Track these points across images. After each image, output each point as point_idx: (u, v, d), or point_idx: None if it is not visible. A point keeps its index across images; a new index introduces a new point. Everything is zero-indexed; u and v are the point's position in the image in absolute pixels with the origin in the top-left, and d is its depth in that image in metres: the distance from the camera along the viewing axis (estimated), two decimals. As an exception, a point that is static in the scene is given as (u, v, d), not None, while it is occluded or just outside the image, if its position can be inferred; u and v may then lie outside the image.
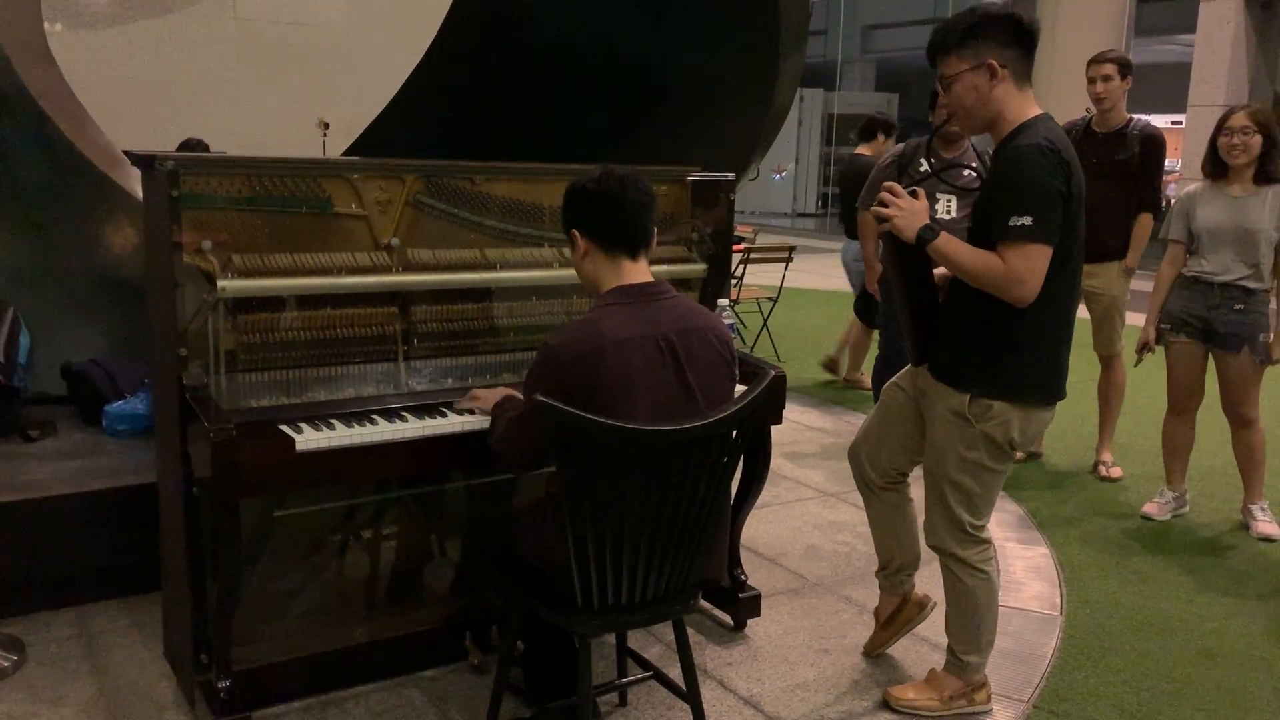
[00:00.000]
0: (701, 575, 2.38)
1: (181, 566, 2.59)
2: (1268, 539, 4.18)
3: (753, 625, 3.25)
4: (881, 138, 6.41)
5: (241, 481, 2.32)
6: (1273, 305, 4.12)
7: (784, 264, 7.45)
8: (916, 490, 2.89)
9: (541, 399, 2.07)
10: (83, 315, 4.10)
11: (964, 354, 2.60)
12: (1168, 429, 4.43)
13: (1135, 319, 4.64)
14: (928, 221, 2.52)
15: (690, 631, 2.77)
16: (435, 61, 6.80)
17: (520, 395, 2.35)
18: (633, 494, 2.09)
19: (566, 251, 2.51)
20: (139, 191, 3.15)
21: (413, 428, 2.52)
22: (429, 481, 2.95)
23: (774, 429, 3.17)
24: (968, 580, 2.69)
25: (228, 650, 2.51)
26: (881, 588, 3.07)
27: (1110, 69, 4.61)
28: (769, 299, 7.43)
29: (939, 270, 2.65)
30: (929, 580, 3.12)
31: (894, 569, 3.00)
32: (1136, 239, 4.70)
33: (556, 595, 2.26)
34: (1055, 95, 10.95)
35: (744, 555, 3.39)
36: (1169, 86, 15.64)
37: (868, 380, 6.21)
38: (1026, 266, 2.40)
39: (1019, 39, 2.48)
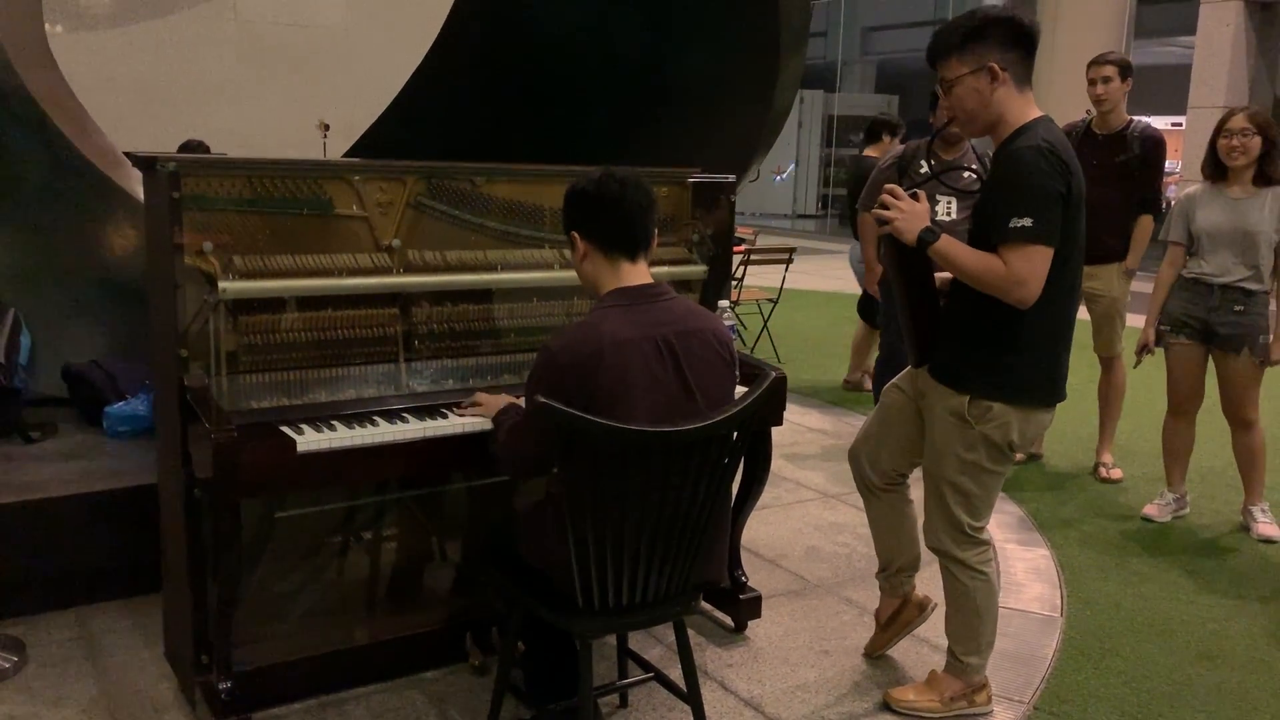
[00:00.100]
0: (702, 576, 2.38)
1: (182, 567, 2.59)
2: (1268, 540, 4.18)
3: (753, 626, 3.25)
4: (887, 139, 6.38)
5: (242, 482, 2.32)
6: (1273, 307, 4.12)
7: (784, 265, 7.46)
8: (916, 491, 2.89)
9: (542, 400, 2.07)
10: (83, 316, 4.09)
11: (964, 355, 2.60)
12: (1168, 430, 4.43)
13: (1135, 320, 4.64)
14: (929, 224, 2.52)
15: (691, 633, 2.77)
16: (436, 63, 6.79)
17: (522, 403, 2.36)
18: (633, 495, 2.10)
19: (567, 253, 2.52)
20: (140, 192, 3.15)
21: (413, 429, 2.52)
22: (430, 483, 2.95)
23: (774, 430, 3.17)
24: (967, 582, 2.70)
25: (228, 651, 2.51)
26: (882, 589, 3.07)
27: (1110, 71, 4.61)
28: (769, 300, 7.44)
29: (941, 274, 2.65)
30: (929, 582, 3.12)
31: (894, 570, 3.00)
32: (1137, 241, 4.71)
33: (557, 596, 2.26)
34: (1055, 97, 10.95)
35: (744, 556, 3.39)
36: (1169, 88, 15.64)
37: (868, 382, 6.21)
38: (1028, 268, 2.40)
39: (1019, 41, 2.48)
